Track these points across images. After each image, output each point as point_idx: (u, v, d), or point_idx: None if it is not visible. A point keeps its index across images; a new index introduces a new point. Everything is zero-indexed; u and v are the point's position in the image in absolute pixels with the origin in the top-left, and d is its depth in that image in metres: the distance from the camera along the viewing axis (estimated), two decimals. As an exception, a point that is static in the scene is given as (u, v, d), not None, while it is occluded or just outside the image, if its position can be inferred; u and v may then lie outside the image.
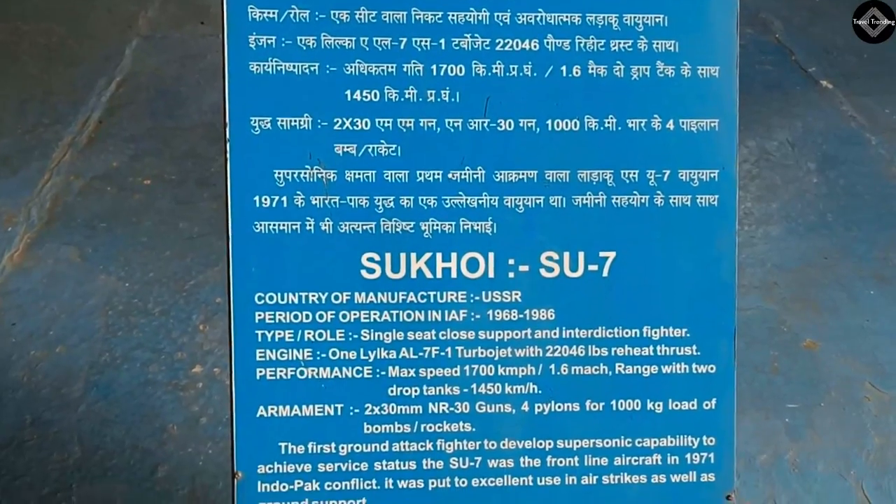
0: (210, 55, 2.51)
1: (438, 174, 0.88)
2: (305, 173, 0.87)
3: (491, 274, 0.89)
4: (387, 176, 0.87)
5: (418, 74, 0.87)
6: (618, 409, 0.91)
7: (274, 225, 0.87)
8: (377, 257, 0.88)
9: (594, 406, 0.91)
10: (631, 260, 0.90)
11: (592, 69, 0.88)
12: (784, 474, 1.54)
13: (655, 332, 0.91)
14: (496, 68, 0.87)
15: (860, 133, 2.40)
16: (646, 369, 0.91)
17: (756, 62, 2.64)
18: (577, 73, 0.88)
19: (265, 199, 0.87)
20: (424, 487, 0.90)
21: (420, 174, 0.88)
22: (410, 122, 0.87)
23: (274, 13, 0.86)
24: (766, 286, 1.93)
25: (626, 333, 0.90)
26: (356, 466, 0.90)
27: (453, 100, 0.87)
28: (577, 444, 0.91)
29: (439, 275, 0.89)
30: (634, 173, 0.89)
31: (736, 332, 0.91)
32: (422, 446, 0.90)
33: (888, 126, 2.43)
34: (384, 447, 0.90)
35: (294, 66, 0.86)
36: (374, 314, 0.89)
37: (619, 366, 0.91)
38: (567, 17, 0.87)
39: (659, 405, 0.91)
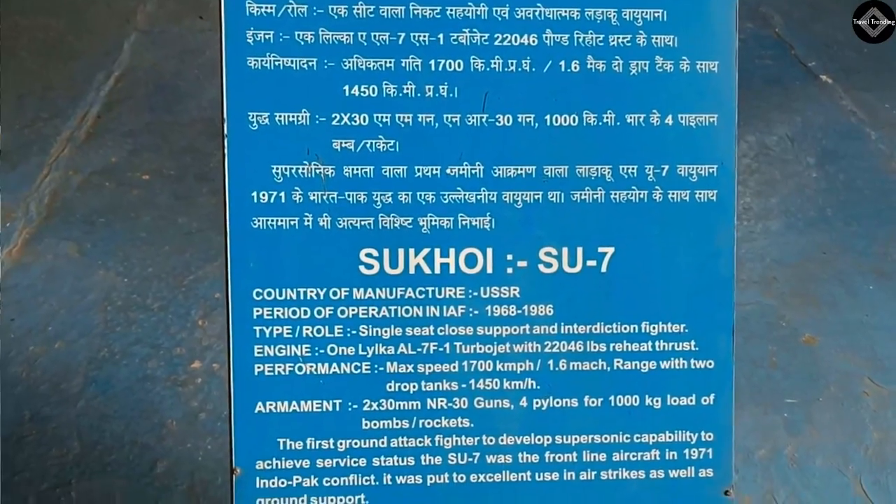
0: (209, 50, 2.50)
1: (437, 169, 0.87)
2: (303, 169, 0.87)
3: (489, 269, 0.89)
4: (385, 171, 0.87)
5: (416, 69, 0.87)
6: (616, 405, 0.91)
7: (272, 220, 0.87)
8: (375, 253, 0.88)
9: (592, 401, 0.91)
10: (629, 255, 0.90)
11: (591, 64, 0.88)
12: (782, 469, 1.54)
13: (654, 328, 0.91)
14: (495, 63, 0.87)
15: (860, 128, 2.40)
16: (644, 365, 0.91)
17: (756, 57, 2.63)
18: (575, 67, 0.88)
19: (263, 195, 0.87)
20: (423, 483, 0.90)
21: (418, 169, 0.87)
22: (409, 118, 0.87)
23: (272, 8, 0.85)
24: (765, 281, 1.93)
25: (625, 329, 0.90)
26: (354, 462, 0.90)
27: (451, 95, 0.87)
28: (576, 439, 0.91)
29: (437, 270, 0.89)
30: (633, 168, 0.89)
31: (734, 327, 0.91)
32: (420, 442, 0.90)
33: (888, 121, 2.42)
34: (382, 443, 0.90)
35: (292, 62, 0.86)
36: (373, 310, 0.89)
37: (618, 361, 0.91)
38: (566, 11, 0.87)
39: (657, 400, 0.91)
